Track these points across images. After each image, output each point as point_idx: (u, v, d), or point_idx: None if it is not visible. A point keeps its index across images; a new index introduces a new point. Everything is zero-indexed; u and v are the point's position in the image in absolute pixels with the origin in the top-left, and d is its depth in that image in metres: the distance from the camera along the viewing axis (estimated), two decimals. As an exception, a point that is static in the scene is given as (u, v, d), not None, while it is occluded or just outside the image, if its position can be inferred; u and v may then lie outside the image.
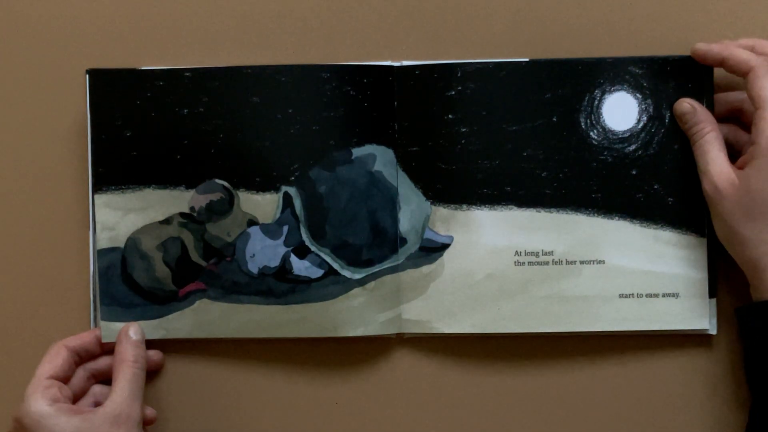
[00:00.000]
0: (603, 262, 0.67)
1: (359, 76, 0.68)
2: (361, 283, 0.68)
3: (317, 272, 0.68)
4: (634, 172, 0.67)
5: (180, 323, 0.68)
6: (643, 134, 0.67)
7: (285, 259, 0.68)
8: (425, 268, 0.68)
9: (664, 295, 0.67)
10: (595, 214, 0.68)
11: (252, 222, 0.68)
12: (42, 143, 0.71)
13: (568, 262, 0.68)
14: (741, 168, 0.63)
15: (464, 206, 0.68)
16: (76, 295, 0.70)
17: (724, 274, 0.68)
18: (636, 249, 0.67)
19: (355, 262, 0.68)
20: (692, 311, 0.67)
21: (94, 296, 0.69)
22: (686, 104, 0.66)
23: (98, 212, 0.68)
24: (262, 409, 0.70)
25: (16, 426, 0.63)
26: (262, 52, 0.70)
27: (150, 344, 0.68)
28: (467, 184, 0.68)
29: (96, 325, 0.69)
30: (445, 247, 0.68)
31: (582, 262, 0.68)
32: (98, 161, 0.68)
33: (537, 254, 0.68)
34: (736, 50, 0.64)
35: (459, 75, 0.67)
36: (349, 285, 0.68)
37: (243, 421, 0.70)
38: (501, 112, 0.67)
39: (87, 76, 0.68)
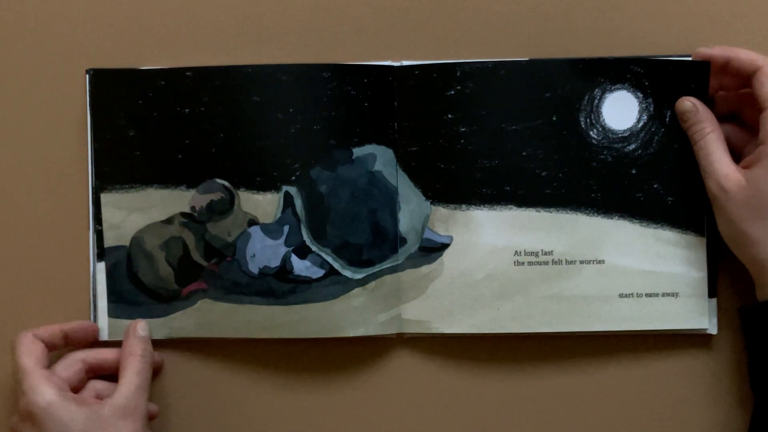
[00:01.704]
0: (603, 261, 0.67)
1: (360, 75, 0.67)
2: (362, 283, 0.68)
3: (318, 272, 0.68)
4: (633, 172, 0.67)
5: (183, 322, 0.68)
6: (643, 133, 0.67)
7: (285, 259, 0.67)
8: (425, 268, 0.68)
9: (663, 295, 0.67)
10: (595, 214, 0.67)
11: (252, 222, 0.67)
12: (42, 143, 0.70)
13: (567, 262, 0.67)
14: (746, 168, 0.63)
15: (463, 206, 0.68)
16: (77, 294, 0.70)
17: (724, 273, 0.68)
18: (636, 248, 0.67)
19: (355, 262, 0.68)
20: (692, 311, 0.67)
21: (94, 296, 0.69)
22: (688, 102, 0.65)
23: (104, 211, 0.68)
24: (261, 409, 0.70)
25: (23, 416, 0.62)
26: (261, 51, 0.70)
27: (153, 343, 0.68)
28: (466, 184, 0.67)
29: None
30: (444, 247, 0.68)
31: (582, 262, 0.67)
32: (102, 161, 0.68)
33: (537, 254, 0.67)
34: (740, 51, 0.64)
35: (458, 75, 0.67)
36: (349, 285, 0.68)
37: (243, 420, 0.70)
38: (500, 112, 0.67)
39: (87, 76, 0.68)
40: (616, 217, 0.67)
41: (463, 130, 0.67)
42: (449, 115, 0.67)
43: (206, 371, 0.70)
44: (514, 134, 0.67)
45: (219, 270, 0.68)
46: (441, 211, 0.68)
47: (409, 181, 0.68)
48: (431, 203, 0.68)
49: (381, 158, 0.68)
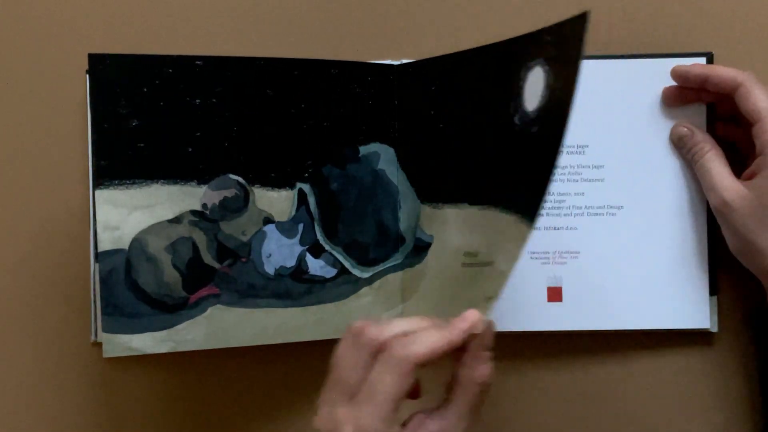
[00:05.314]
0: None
1: (364, 74, 0.67)
2: (369, 282, 0.67)
3: (331, 272, 0.66)
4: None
5: (191, 334, 0.62)
6: None
7: (301, 259, 0.65)
8: (418, 267, 0.67)
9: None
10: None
11: (268, 220, 0.64)
12: (41, 134, 0.67)
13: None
14: (747, 180, 0.62)
15: (439, 204, 0.65)
16: (77, 301, 0.66)
17: (723, 269, 0.66)
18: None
19: (363, 261, 0.67)
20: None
21: (95, 304, 0.61)
22: (683, 129, 0.65)
23: (100, 210, 0.61)
24: (261, 410, 0.68)
25: None
26: (259, 47, 0.68)
27: (157, 358, 0.63)
28: (439, 182, 0.65)
29: (96, 336, 0.62)
30: (428, 246, 0.67)
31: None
32: (100, 153, 0.61)
33: (476, 255, 0.63)
34: (718, 68, 0.63)
35: (438, 70, 0.65)
36: (359, 284, 0.66)
37: (243, 419, 0.68)
38: (459, 107, 0.64)
39: (88, 60, 0.61)
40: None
41: (440, 126, 0.65)
42: (432, 112, 0.66)
43: (205, 379, 0.68)
44: (466, 129, 0.63)
45: (232, 272, 0.63)
46: (426, 210, 0.67)
47: (406, 179, 0.67)
48: (420, 202, 0.67)
49: (384, 157, 0.67)
